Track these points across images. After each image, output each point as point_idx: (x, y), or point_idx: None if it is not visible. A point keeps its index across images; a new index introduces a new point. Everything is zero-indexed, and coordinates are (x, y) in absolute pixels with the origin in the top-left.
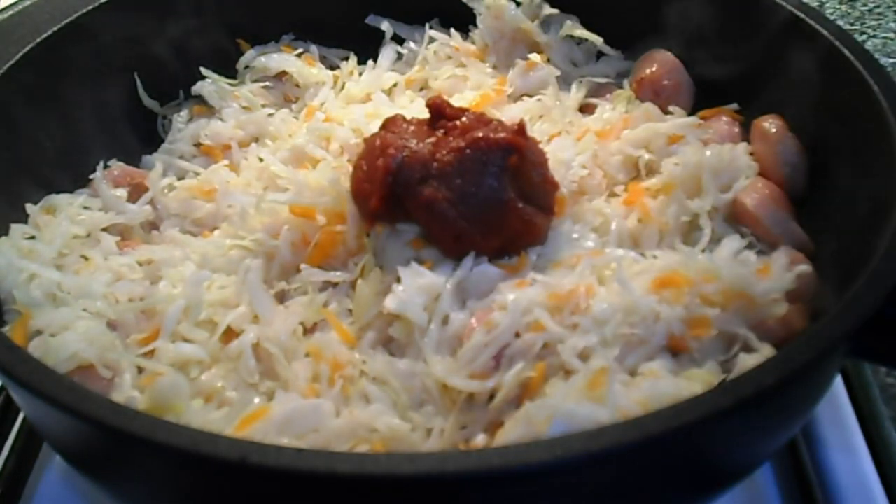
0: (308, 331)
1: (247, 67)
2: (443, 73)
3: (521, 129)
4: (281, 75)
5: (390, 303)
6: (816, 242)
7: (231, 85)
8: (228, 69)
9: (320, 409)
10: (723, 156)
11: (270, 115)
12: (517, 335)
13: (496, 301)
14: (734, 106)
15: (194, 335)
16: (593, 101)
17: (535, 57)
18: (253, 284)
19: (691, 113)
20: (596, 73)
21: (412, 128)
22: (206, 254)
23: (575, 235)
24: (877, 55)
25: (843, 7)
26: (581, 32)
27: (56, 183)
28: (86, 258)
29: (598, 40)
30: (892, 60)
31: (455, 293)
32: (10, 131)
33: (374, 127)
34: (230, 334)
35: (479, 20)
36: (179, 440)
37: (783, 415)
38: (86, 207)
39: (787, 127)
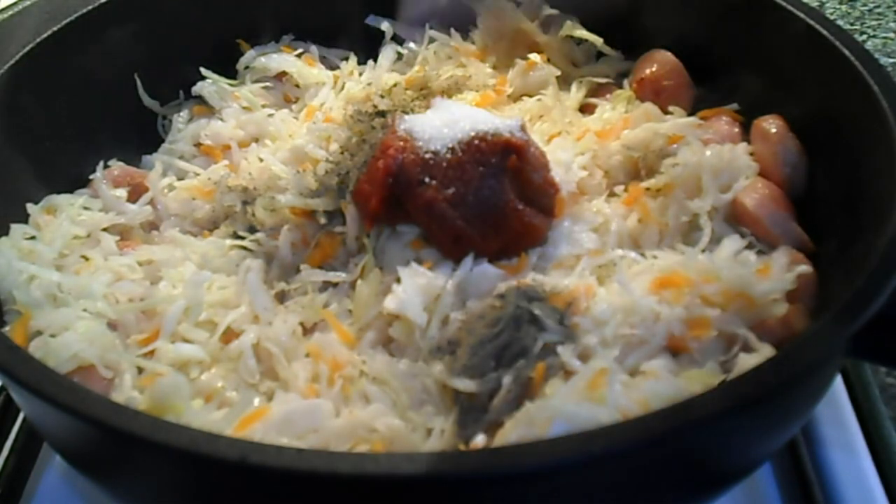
0: (308, 331)
1: (247, 67)
2: (443, 73)
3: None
4: (281, 75)
5: (390, 303)
6: (816, 242)
7: (231, 85)
8: (228, 69)
9: (320, 409)
10: (723, 156)
11: (270, 115)
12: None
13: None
14: (734, 106)
15: (194, 335)
16: (593, 101)
17: (535, 57)
18: (253, 284)
19: (691, 113)
20: (596, 73)
21: None
22: (206, 254)
23: (575, 236)
24: (877, 55)
25: (843, 7)
26: (581, 32)
27: (56, 183)
28: (86, 258)
29: (598, 40)
30: (892, 60)
31: (455, 293)
32: (10, 131)
33: None
34: (230, 334)
35: (479, 20)
36: (179, 440)
37: (783, 415)
38: (86, 208)
39: (787, 127)
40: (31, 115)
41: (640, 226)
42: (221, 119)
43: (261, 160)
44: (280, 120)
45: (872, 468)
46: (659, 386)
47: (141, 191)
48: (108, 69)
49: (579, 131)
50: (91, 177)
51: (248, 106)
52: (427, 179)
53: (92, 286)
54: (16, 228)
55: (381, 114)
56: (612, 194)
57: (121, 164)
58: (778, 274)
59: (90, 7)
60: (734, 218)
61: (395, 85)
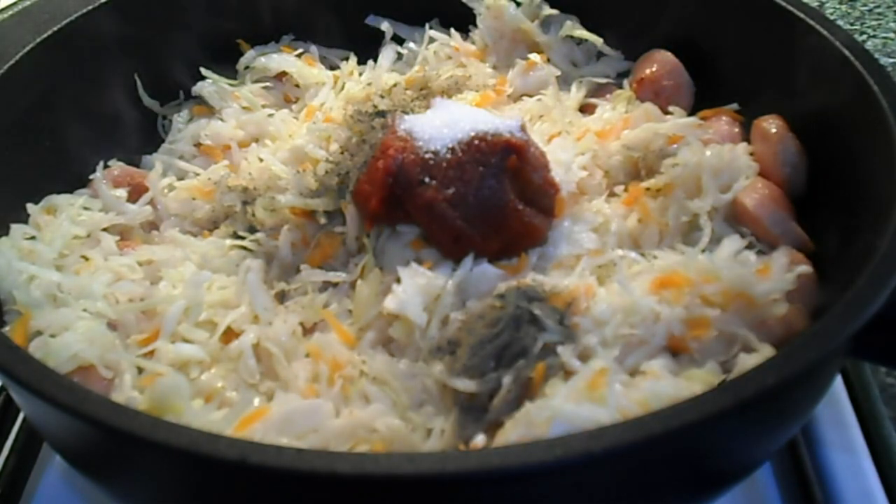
0: (308, 331)
1: (247, 68)
2: (443, 73)
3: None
4: (281, 75)
5: (390, 303)
6: (816, 242)
7: (231, 85)
8: (228, 69)
9: (320, 409)
10: (723, 156)
11: (270, 115)
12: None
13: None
14: (734, 106)
15: (194, 335)
16: (593, 101)
17: (535, 57)
18: (253, 284)
19: (691, 113)
20: (596, 73)
21: None
22: (206, 254)
23: (575, 236)
24: (877, 55)
25: (843, 7)
26: (581, 33)
27: (56, 183)
28: (86, 258)
29: (598, 40)
30: (892, 60)
31: (455, 293)
32: (11, 131)
33: None
34: (230, 334)
35: (479, 20)
36: (179, 440)
37: (783, 415)
38: (86, 208)
39: (787, 127)
40: (31, 115)
41: (640, 226)
42: (221, 119)
43: (261, 160)
44: (280, 120)
45: (872, 468)
46: (659, 386)
47: (141, 191)
48: (108, 69)
49: (579, 131)
50: (91, 177)
51: (248, 106)
52: (427, 179)
53: (92, 286)
54: (16, 228)
55: (381, 114)
56: (612, 194)
57: (121, 164)
58: (778, 274)
59: (90, 7)
60: (734, 218)
61: (395, 85)
